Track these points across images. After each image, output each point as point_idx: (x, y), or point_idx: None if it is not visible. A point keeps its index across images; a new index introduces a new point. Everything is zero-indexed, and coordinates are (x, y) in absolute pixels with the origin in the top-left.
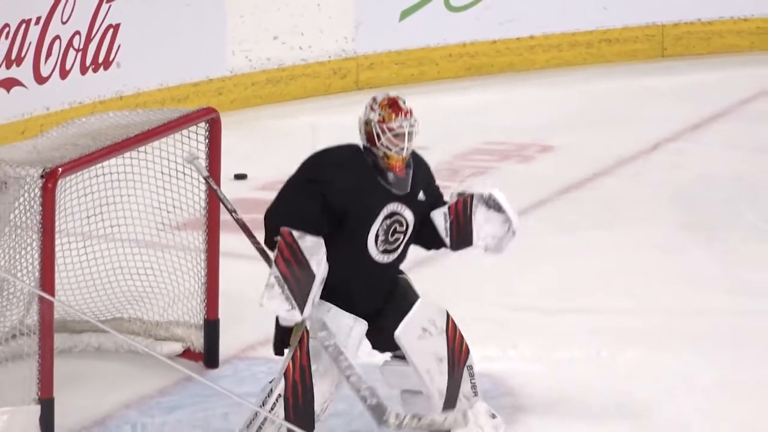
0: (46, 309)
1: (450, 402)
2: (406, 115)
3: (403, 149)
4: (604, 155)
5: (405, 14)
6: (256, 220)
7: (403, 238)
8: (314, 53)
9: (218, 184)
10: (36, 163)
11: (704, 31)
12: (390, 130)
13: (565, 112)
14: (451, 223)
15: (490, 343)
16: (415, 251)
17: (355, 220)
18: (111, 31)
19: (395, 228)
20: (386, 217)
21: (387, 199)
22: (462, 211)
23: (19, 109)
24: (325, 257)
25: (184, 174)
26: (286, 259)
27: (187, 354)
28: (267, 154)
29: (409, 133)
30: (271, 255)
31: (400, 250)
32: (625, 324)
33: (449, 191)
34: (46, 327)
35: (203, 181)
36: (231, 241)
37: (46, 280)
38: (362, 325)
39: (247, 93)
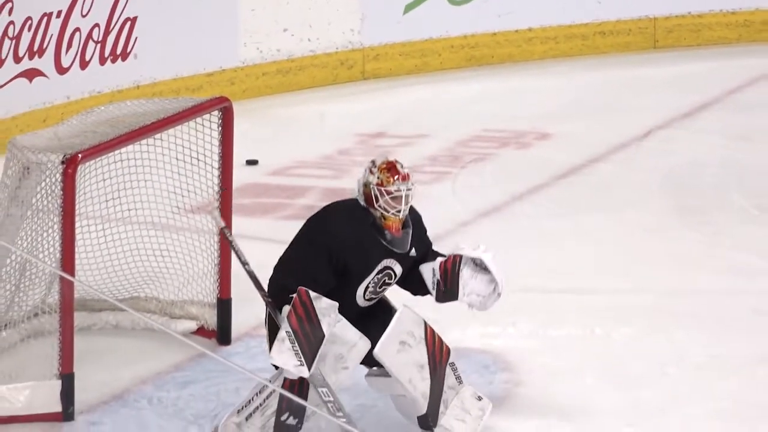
0: (66, 289)
1: (434, 401)
2: (403, 179)
3: (400, 211)
4: (599, 142)
5: (409, 8)
6: (268, 204)
7: (387, 288)
8: (322, 45)
9: (231, 172)
10: (57, 150)
11: (694, 24)
12: (388, 193)
13: (562, 101)
14: (438, 280)
15: (490, 321)
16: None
17: (353, 273)
18: (128, 23)
19: (384, 281)
20: (378, 273)
21: (384, 256)
22: (450, 269)
23: (41, 98)
24: (336, 319)
25: (198, 160)
26: (299, 316)
27: (200, 331)
28: (277, 140)
29: (406, 197)
30: (282, 311)
31: (381, 295)
32: (618, 303)
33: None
34: (67, 306)
35: (219, 231)
36: (243, 223)
37: (67, 261)
38: (366, 344)
39: (259, 83)
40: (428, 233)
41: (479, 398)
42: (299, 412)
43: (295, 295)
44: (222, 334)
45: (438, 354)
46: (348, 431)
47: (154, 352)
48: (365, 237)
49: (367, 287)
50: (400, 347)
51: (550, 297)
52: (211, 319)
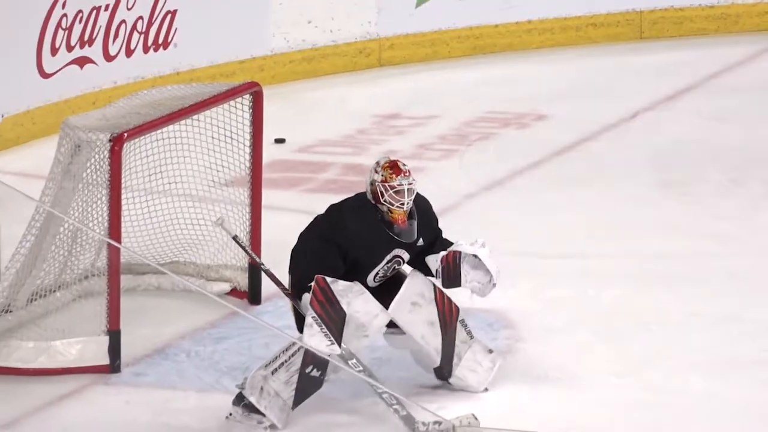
0: (113, 254)
1: (447, 354)
2: (405, 174)
3: (403, 204)
4: (591, 122)
5: (420, 2)
6: (294, 178)
7: (396, 271)
8: (342, 35)
9: (261, 149)
10: (105, 129)
11: (677, 17)
12: (392, 188)
13: (557, 86)
14: (442, 269)
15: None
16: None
17: (363, 264)
18: (169, 16)
19: (393, 267)
20: (388, 261)
21: (393, 247)
22: (452, 262)
23: (91, 83)
24: (360, 291)
25: (231, 139)
26: (320, 301)
27: (233, 293)
28: (302, 121)
29: (408, 190)
30: (302, 299)
31: (390, 275)
32: (608, 266)
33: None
34: (114, 269)
35: (231, 239)
36: (272, 195)
37: (114, 229)
38: (386, 316)
39: (285, 69)
40: (441, 202)
41: (490, 351)
42: (322, 366)
43: (313, 284)
44: (253, 294)
45: (448, 312)
46: (369, 383)
47: (192, 311)
48: (374, 231)
49: (377, 273)
50: (412, 307)
51: (546, 262)
52: (243, 282)
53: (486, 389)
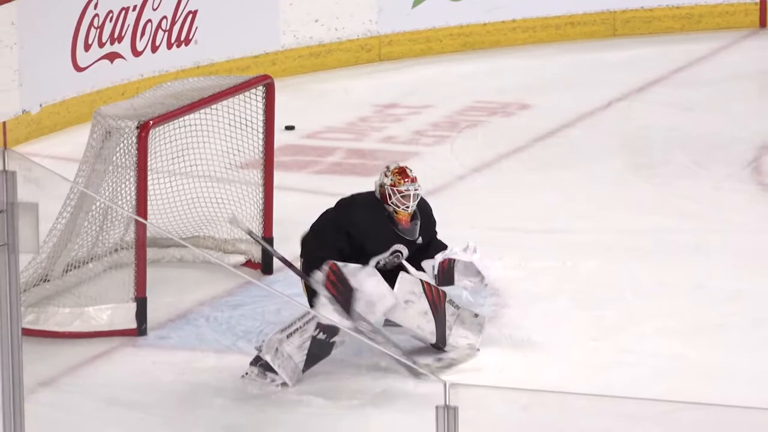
0: (140, 229)
1: (441, 334)
2: (412, 181)
3: (408, 207)
4: (569, 111)
5: (417, 2)
6: (303, 161)
7: (396, 263)
8: (346, 33)
9: (273, 134)
10: (133, 117)
11: (646, 16)
12: (399, 192)
13: (539, 78)
14: (437, 273)
15: (482, 256)
16: (424, 184)
17: (367, 252)
18: (191, 16)
19: (394, 261)
20: (390, 253)
21: (395, 241)
22: (446, 267)
23: (120, 76)
24: (372, 272)
25: (246, 126)
26: (333, 283)
27: (248, 264)
28: (310, 110)
29: (414, 195)
30: (312, 279)
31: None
32: (585, 240)
33: (450, 140)
34: (141, 243)
35: (247, 234)
36: (283, 176)
37: (140, 207)
38: (393, 298)
39: (295, 63)
40: (434, 182)
41: (476, 315)
42: (332, 333)
43: (326, 268)
44: (265, 266)
45: (437, 300)
46: (375, 341)
47: (211, 281)
48: (381, 225)
49: (379, 262)
50: (406, 305)
51: (530, 236)
52: (256, 254)
53: (478, 349)
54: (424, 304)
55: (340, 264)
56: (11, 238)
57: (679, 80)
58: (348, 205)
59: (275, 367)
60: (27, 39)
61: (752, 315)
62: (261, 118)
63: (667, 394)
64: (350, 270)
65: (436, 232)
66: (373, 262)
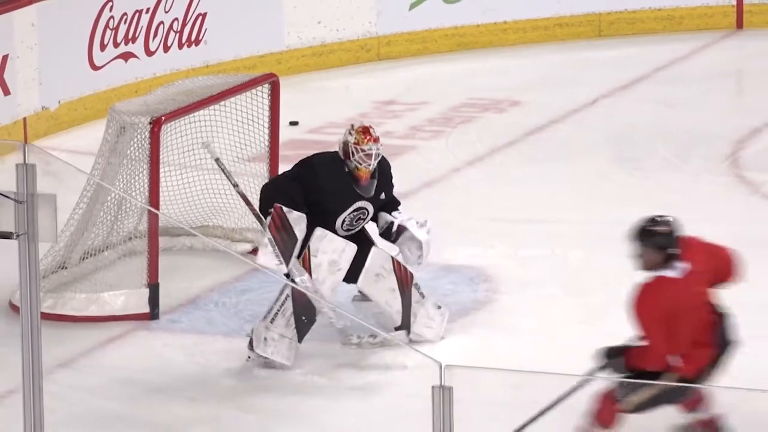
0: (153, 219)
1: (406, 315)
2: (375, 141)
3: (369, 165)
4: (558, 108)
5: (413, 5)
6: (306, 155)
7: (363, 223)
8: (347, 34)
9: (278, 130)
10: (146, 113)
11: (630, 18)
12: (362, 150)
13: (530, 77)
14: (385, 230)
15: (475, 244)
16: (421, 176)
17: (330, 210)
18: (200, 17)
19: (359, 217)
20: (353, 211)
21: (355, 199)
22: (398, 230)
23: (133, 74)
24: (305, 227)
25: (252, 121)
26: (277, 227)
27: (255, 252)
28: (313, 106)
29: (376, 154)
30: (264, 221)
31: (358, 228)
32: (573, 230)
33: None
34: (153, 232)
35: (215, 163)
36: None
37: (153, 197)
38: (352, 248)
39: (299, 63)
40: (430, 175)
41: (439, 307)
42: (311, 311)
43: (272, 211)
44: None
45: (404, 279)
46: (315, 299)
47: (219, 268)
48: (340, 181)
49: (344, 221)
50: (376, 278)
51: (520, 225)
52: (262, 242)
53: (442, 337)
54: (392, 281)
55: (285, 209)
56: (31, 227)
57: (662, 78)
58: (310, 162)
59: (268, 356)
60: (46, 40)
61: (731, 300)
62: (266, 114)
63: None
64: (294, 218)
65: (393, 187)
66: (338, 222)
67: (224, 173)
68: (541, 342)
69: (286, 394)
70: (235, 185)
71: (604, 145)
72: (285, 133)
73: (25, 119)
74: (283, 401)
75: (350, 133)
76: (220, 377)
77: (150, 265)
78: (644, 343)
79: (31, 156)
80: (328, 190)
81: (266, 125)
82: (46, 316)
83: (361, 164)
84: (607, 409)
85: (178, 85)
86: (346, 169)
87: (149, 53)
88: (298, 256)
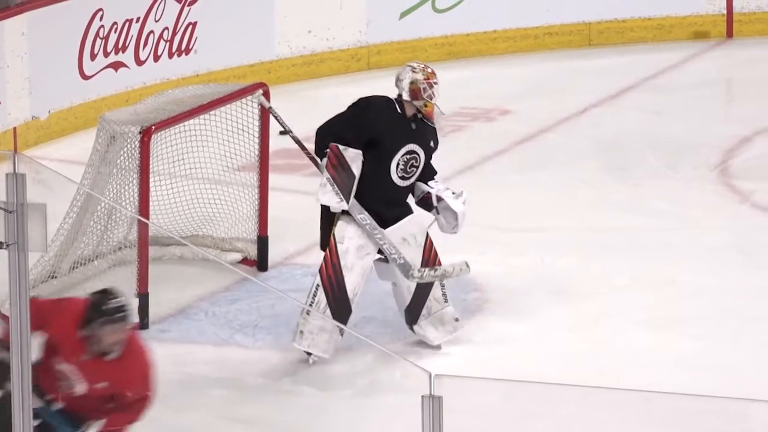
0: (143, 228)
1: (417, 299)
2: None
3: (437, 97)
4: (547, 116)
5: (403, 14)
6: (296, 164)
7: (416, 171)
8: (337, 43)
9: (268, 139)
10: (136, 123)
11: (620, 27)
12: (434, 84)
13: (519, 86)
14: (422, 199)
15: (465, 252)
16: None
17: (384, 149)
18: (190, 27)
19: (412, 163)
20: (406, 153)
21: (409, 140)
22: (434, 200)
23: (124, 83)
24: (361, 164)
25: (243, 130)
26: (333, 165)
27: (244, 261)
28: (303, 115)
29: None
30: (320, 162)
31: (412, 179)
32: (562, 238)
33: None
34: (143, 241)
35: (266, 109)
36: (277, 178)
37: (143, 207)
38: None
39: (289, 72)
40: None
41: (456, 319)
42: (342, 289)
43: (328, 150)
44: (261, 263)
45: (431, 262)
46: (372, 235)
47: (209, 277)
48: (395, 122)
49: (398, 164)
50: (402, 242)
51: (510, 234)
52: (252, 252)
53: (440, 346)
54: (417, 256)
55: (341, 147)
56: (21, 237)
57: (651, 87)
58: (365, 102)
59: (305, 348)
60: (36, 49)
61: (719, 308)
62: (257, 123)
63: (639, 383)
64: (350, 155)
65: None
66: (393, 165)
67: (278, 120)
68: (531, 350)
69: (275, 404)
70: (290, 131)
71: (593, 153)
72: (275, 142)
73: (15, 129)
74: (272, 411)
75: (414, 72)
76: (210, 387)
77: (140, 274)
78: None
79: (21, 165)
80: (382, 129)
81: (256, 135)
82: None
83: (432, 98)
84: None
85: (168, 95)
86: (399, 111)
87: (139, 62)
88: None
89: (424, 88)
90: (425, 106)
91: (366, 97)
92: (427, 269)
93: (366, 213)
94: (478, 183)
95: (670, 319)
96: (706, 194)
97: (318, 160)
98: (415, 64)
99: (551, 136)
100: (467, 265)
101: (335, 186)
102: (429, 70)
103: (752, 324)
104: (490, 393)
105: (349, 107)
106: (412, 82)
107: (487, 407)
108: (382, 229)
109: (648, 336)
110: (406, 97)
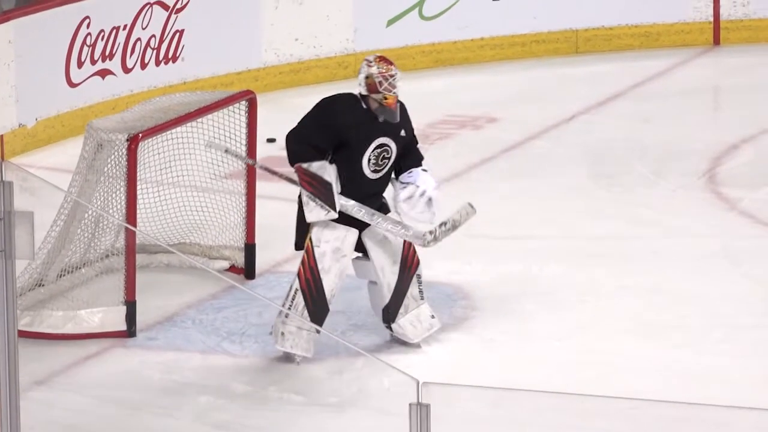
0: (130, 236)
1: (397, 297)
2: (394, 65)
3: (397, 90)
4: (534, 124)
5: (390, 22)
6: (283, 172)
7: (388, 163)
8: (324, 51)
9: (256, 147)
10: (123, 131)
11: (607, 35)
12: (390, 76)
13: (506, 93)
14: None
15: (452, 260)
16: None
17: (354, 147)
18: (177, 34)
19: (383, 155)
20: (377, 147)
21: (377, 134)
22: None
23: (111, 91)
24: (332, 169)
25: (230, 138)
26: (308, 182)
27: (232, 269)
28: (290, 123)
29: (398, 77)
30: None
31: (385, 171)
32: (549, 246)
33: (422, 151)
34: (130, 249)
35: (225, 154)
36: (264, 186)
37: (130, 215)
38: (353, 233)
39: (276, 80)
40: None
41: (432, 316)
42: (320, 288)
43: (295, 171)
44: (248, 271)
45: (410, 260)
46: (373, 218)
47: (197, 285)
48: (362, 118)
49: (369, 159)
50: (383, 239)
51: (497, 242)
52: (240, 260)
53: (419, 345)
54: (397, 253)
55: (304, 165)
56: (8, 245)
57: (638, 95)
58: (327, 102)
59: (287, 349)
60: (23, 56)
61: (706, 316)
62: (244, 131)
63: (627, 391)
64: (317, 167)
65: (414, 138)
66: (364, 161)
67: (239, 158)
68: (518, 358)
69: (262, 412)
70: (254, 163)
71: (580, 161)
72: (262, 150)
73: (1, 136)
74: (259, 418)
75: (370, 65)
76: (197, 394)
77: (127, 282)
78: None
79: (8, 173)
80: (349, 128)
81: (244, 142)
82: (23, 334)
83: (390, 91)
84: None
85: (155, 102)
86: (364, 107)
87: (126, 70)
88: (340, 193)
89: (380, 82)
90: (385, 98)
91: (328, 97)
92: (438, 228)
93: (353, 201)
94: (465, 191)
95: (658, 326)
96: (694, 202)
97: (293, 179)
98: (371, 58)
99: (539, 144)
100: (471, 206)
101: (317, 200)
102: (386, 63)
103: (739, 332)
104: (477, 401)
105: (313, 109)
106: (367, 77)
107: (474, 415)
108: (378, 212)
109: (635, 343)
110: (363, 91)
